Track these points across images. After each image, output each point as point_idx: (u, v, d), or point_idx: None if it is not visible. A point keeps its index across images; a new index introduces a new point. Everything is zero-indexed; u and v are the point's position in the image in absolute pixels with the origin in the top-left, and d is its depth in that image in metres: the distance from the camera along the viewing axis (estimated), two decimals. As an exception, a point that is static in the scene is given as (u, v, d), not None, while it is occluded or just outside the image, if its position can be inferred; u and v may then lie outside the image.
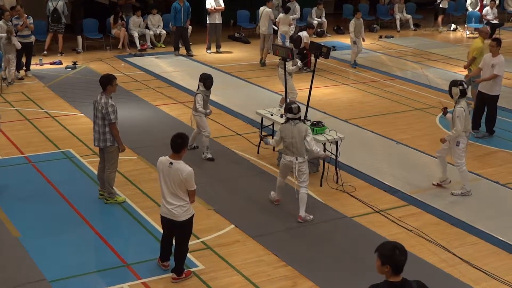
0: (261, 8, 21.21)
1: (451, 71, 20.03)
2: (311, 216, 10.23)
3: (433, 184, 11.53)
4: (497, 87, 13.93)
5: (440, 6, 26.88)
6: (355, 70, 19.89)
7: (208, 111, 12.31)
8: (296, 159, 10.02)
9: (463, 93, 10.90)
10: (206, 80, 12.18)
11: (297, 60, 14.27)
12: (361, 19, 20.43)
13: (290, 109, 10.07)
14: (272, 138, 10.83)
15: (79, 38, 21.42)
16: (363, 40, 20.54)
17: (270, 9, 20.83)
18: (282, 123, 10.36)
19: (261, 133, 12.71)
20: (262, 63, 20.51)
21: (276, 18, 20.92)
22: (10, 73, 17.33)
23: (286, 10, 20.89)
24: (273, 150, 12.85)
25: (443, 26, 27.45)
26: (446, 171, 11.46)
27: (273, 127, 12.81)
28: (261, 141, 10.94)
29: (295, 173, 10.11)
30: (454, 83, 11.00)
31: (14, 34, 17.27)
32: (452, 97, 11.09)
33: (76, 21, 21.26)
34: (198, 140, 12.63)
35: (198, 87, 12.27)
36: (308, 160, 10.29)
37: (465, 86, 10.98)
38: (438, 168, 11.61)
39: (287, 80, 13.48)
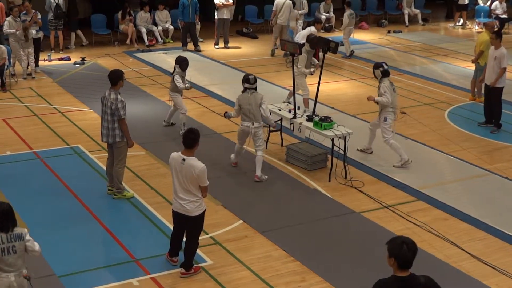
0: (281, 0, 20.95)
1: (460, 65, 19.97)
2: (266, 176, 11.36)
3: (357, 149, 12.45)
4: (501, 79, 13.94)
5: (459, 2, 26.54)
6: (363, 65, 19.83)
7: (187, 85, 13.38)
8: (253, 124, 11.21)
9: (384, 74, 11.85)
10: (182, 63, 13.40)
11: (315, 63, 14.27)
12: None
13: (248, 79, 11.28)
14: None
15: (73, 35, 21.37)
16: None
17: (290, 1, 20.80)
18: (241, 93, 11.37)
19: (269, 129, 12.70)
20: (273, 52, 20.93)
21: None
22: (31, 64, 17.50)
23: (292, 5, 20.82)
24: (281, 145, 12.85)
25: (452, 21, 27.33)
26: (372, 142, 12.61)
27: (281, 122, 12.80)
28: (225, 116, 11.95)
29: (251, 137, 11.32)
30: (376, 66, 11.99)
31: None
32: (376, 77, 12.05)
33: (72, 17, 21.17)
34: (175, 117, 13.80)
35: (174, 69, 13.44)
36: (263, 126, 11.44)
37: (386, 67, 11.88)
38: (367, 138, 12.57)
39: (300, 78, 13.56)
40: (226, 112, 11.93)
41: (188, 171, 8.02)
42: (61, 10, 20.21)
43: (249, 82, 11.27)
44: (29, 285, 6.91)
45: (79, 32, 21.50)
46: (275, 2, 20.98)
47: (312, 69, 14.15)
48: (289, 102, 13.85)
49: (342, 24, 21.15)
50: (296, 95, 13.05)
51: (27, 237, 6.81)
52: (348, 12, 21.04)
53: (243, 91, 11.38)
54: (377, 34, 24.87)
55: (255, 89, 11.32)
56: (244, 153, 11.91)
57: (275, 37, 21.05)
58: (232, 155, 11.89)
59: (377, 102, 11.91)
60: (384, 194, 11.00)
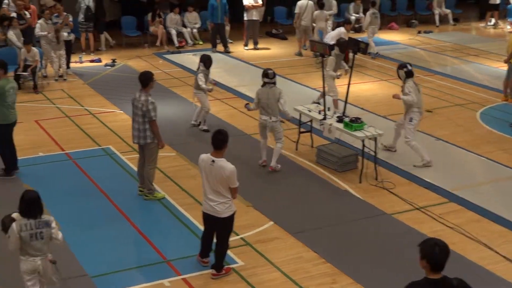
0: (303, 1, 21.10)
1: (492, 66, 19.76)
2: (279, 166, 11.72)
3: (381, 144, 12.18)
4: None
5: (490, 2, 26.27)
6: (393, 66, 19.70)
7: (210, 87, 13.67)
8: (270, 118, 11.48)
9: (408, 74, 11.87)
10: (206, 61, 13.57)
11: (345, 67, 14.26)
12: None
13: (267, 74, 11.57)
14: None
15: (102, 37, 21.52)
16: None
17: (312, 2, 20.97)
18: (260, 87, 11.66)
19: (299, 130, 12.70)
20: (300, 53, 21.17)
21: (313, 15, 20.95)
22: (62, 66, 17.70)
23: (321, 6, 20.80)
24: (311, 146, 12.82)
25: (483, 21, 27.06)
26: (396, 141, 12.60)
27: (311, 123, 12.77)
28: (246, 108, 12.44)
29: (270, 130, 11.63)
30: (400, 67, 12.03)
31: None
32: (400, 78, 12.05)
33: (99, 19, 21.31)
34: (201, 116, 13.91)
35: (199, 67, 13.60)
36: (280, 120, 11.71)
37: (410, 68, 11.92)
38: (392, 136, 12.57)
39: (328, 79, 13.57)
40: (246, 104, 12.34)
41: (217, 172, 8.03)
42: (91, 12, 20.37)
43: (268, 76, 11.55)
44: (55, 269, 7.31)
45: (106, 34, 21.62)
46: (298, 4, 21.15)
47: (338, 73, 14.14)
48: (318, 103, 13.84)
49: (364, 23, 21.25)
50: (326, 96, 13.03)
51: (53, 224, 7.22)
52: (371, 11, 21.15)
53: (262, 85, 11.66)
54: (407, 34, 24.70)
55: (274, 83, 11.61)
56: (273, 154, 11.89)
57: (299, 38, 21.28)
58: (260, 160, 12.04)
59: (410, 119, 11.96)
60: (415, 196, 10.92)
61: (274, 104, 11.47)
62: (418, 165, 12.05)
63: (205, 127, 13.73)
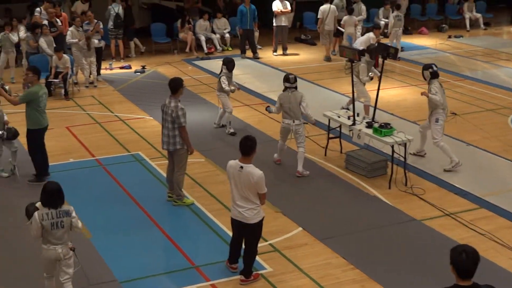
0: (325, 6, 21.29)
1: (524, 70, 19.56)
2: (307, 172, 11.79)
3: (410, 153, 11.98)
4: None
5: None
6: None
7: (232, 88, 13.93)
8: (293, 122, 11.63)
9: (433, 75, 11.85)
10: (228, 63, 13.84)
11: (375, 72, 14.20)
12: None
13: (288, 79, 11.66)
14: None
15: (132, 44, 21.66)
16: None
17: (334, 6, 21.20)
18: (282, 92, 11.84)
19: (328, 136, 12.68)
20: (329, 58, 21.27)
21: (341, 20, 20.97)
22: (93, 73, 17.89)
23: (350, 12, 20.81)
24: (340, 152, 12.78)
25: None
26: (424, 145, 12.51)
27: (340, 129, 12.73)
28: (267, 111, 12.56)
29: (293, 135, 11.76)
30: (425, 67, 12.00)
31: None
32: (425, 79, 12.04)
33: (128, 26, 21.46)
34: (225, 119, 14.16)
35: (222, 70, 13.89)
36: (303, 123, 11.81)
37: (435, 68, 11.88)
38: (418, 140, 12.42)
39: (359, 85, 13.57)
40: (267, 107, 12.43)
41: (246, 178, 8.03)
42: (121, 19, 20.53)
43: (289, 81, 11.67)
44: (74, 256, 7.65)
45: (136, 40, 21.77)
46: (321, 9, 21.32)
47: (371, 74, 14.09)
48: (347, 109, 13.80)
49: (388, 26, 21.45)
50: (356, 102, 13.00)
51: (73, 214, 7.57)
52: (394, 14, 21.50)
53: (284, 90, 11.80)
54: (437, 39, 24.53)
55: (296, 88, 11.71)
56: (304, 161, 11.88)
57: (325, 43, 21.43)
58: (276, 155, 12.31)
59: (436, 120, 11.93)
60: (445, 202, 10.82)
61: (296, 107, 11.61)
62: (447, 168, 11.99)
63: (231, 130, 13.93)
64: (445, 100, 12.06)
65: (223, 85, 13.71)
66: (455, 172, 11.93)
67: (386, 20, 24.12)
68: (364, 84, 14.22)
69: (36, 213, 7.39)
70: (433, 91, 11.76)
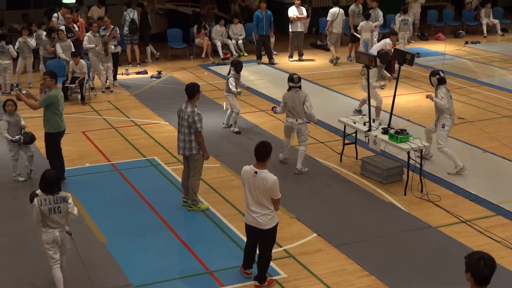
0: (335, 9, 21.52)
1: (541, 77, 19.41)
2: (306, 169, 12.07)
3: (416, 156, 11.60)
4: None
5: None
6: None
7: (239, 90, 14.22)
8: (296, 121, 11.89)
9: (441, 81, 11.91)
10: (236, 65, 14.26)
11: (386, 76, 14.22)
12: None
13: (292, 79, 12.01)
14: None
15: (148, 49, 21.75)
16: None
17: (343, 10, 21.52)
18: (286, 91, 12.11)
19: (343, 141, 12.68)
20: (337, 60, 21.54)
21: (358, 26, 20.98)
22: (109, 78, 18.02)
23: (367, 17, 20.82)
24: (356, 158, 12.75)
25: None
26: (430, 147, 12.48)
27: (356, 135, 12.70)
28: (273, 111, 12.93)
29: (295, 133, 12.00)
30: (432, 73, 12.09)
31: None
32: (432, 85, 12.12)
33: (144, 31, 21.54)
34: (232, 118, 14.53)
35: (230, 71, 14.31)
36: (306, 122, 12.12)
37: (442, 74, 11.98)
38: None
39: (371, 89, 13.57)
40: (273, 107, 12.77)
41: (260, 183, 8.03)
42: (136, 25, 20.60)
43: (293, 81, 12.02)
44: (71, 240, 8.23)
45: (151, 47, 21.81)
46: (331, 12, 21.56)
47: (382, 83, 14.13)
48: (359, 110, 13.90)
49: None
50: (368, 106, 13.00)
51: (70, 200, 8.12)
52: (400, 18, 21.77)
53: (288, 90, 12.09)
54: (454, 45, 24.40)
55: (300, 87, 12.04)
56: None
57: (331, 45, 21.74)
58: (281, 154, 12.52)
59: (443, 126, 12.01)
60: (461, 209, 10.77)
61: (300, 107, 11.87)
62: (452, 172, 12.06)
63: (236, 129, 14.35)
64: (452, 105, 12.07)
65: (231, 87, 14.12)
66: (471, 178, 11.87)
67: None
68: (376, 88, 14.24)
69: (35, 199, 7.97)
70: (439, 97, 11.79)
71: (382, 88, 14.33)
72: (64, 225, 8.08)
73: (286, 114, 12.15)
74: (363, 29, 20.67)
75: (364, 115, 13.12)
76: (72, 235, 8.19)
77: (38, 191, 8.10)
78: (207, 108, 15.79)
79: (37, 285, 8.57)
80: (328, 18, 21.63)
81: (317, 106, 16.04)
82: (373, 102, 14.32)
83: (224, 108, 14.81)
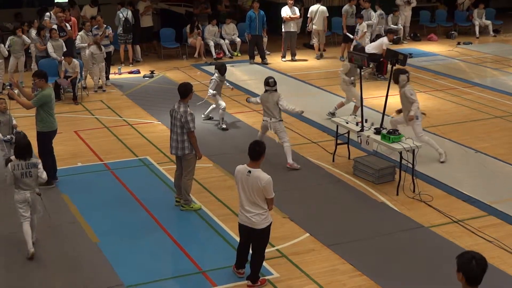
0: (314, 6, 22.19)
1: (533, 77, 19.48)
2: (298, 166, 12.37)
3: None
4: None
5: None
6: (431, 77, 19.55)
7: (214, 92, 14.77)
8: (270, 119, 12.41)
9: (408, 79, 12.54)
10: (221, 68, 14.94)
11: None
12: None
13: (268, 83, 12.50)
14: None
15: (138, 48, 21.74)
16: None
17: (324, 7, 22.10)
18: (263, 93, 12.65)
19: (336, 141, 12.69)
20: (320, 56, 22.46)
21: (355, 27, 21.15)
22: (102, 78, 18.00)
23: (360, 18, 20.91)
24: (348, 158, 12.76)
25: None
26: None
27: (348, 135, 12.72)
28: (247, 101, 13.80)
29: (271, 130, 12.55)
30: (402, 72, 12.44)
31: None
32: (397, 82, 12.45)
33: (135, 30, 21.50)
34: (213, 112, 15.21)
35: (214, 74, 14.94)
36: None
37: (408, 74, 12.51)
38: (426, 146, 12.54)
39: (350, 88, 14.53)
40: (247, 98, 13.73)
41: (254, 183, 8.03)
42: (130, 24, 20.57)
43: (269, 85, 12.49)
44: (41, 201, 9.31)
45: (137, 47, 21.77)
46: (310, 9, 22.28)
47: (352, 78, 14.60)
48: (334, 116, 14.10)
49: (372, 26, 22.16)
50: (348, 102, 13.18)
51: (40, 166, 9.15)
52: (378, 12, 22.59)
53: (264, 91, 12.57)
54: (446, 46, 24.48)
55: (275, 90, 12.48)
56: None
57: (316, 43, 22.46)
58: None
59: (416, 117, 12.48)
60: (453, 209, 10.79)
61: (273, 107, 12.35)
62: (442, 159, 12.64)
63: (224, 126, 14.73)
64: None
65: (209, 88, 14.84)
66: (463, 179, 11.91)
67: (395, 26, 24.13)
68: (354, 85, 14.57)
69: (9, 164, 9.01)
70: (408, 94, 12.37)
71: (352, 83, 14.59)
72: (34, 188, 9.10)
73: (263, 113, 12.66)
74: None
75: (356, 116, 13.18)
76: (47, 207, 9.67)
77: (12, 157, 9.15)
78: (199, 108, 15.74)
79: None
80: (308, 15, 22.32)
81: (309, 106, 16.11)
82: (352, 100, 14.82)
83: (213, 105, 15.24)
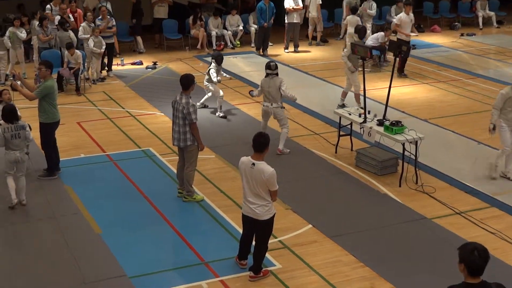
0: None
1: (536, 69, 19.43)
2: (288, 150, 12.61)
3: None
4: None
5: None
6: (435, 69, 19.52)
7: (219, 78, 14.99)
8: (271, 105, 12.48)
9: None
10: (217, 58, 15.10)
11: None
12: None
13: (269, 66, 12.54)
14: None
15: (139, 39, 21.73)
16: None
17: None
18: (264, 78, 12.68)
19: (339, 133, 12.69)
20: (315, 43, 23.10)
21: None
22: (98, 73, 18.07)
23: (353, 11, 20.46)
24: (351, 149, 12.76)
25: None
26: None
27: (351, 126, 12.70)
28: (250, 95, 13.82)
29: (272, 116, 12.65)
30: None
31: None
32: (352, 68, 13.66)
33: (135, 21, 21.47)
34: (209, 101, 15.44)
35: (211, 63, 15.07)
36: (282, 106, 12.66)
37: None
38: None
39: (353, 74, 14.75)
40: (250, 91, 13.72)
41: (257, 175, 8.03)
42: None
43: (270, 68, 12.53)
44: (28, 158, 10.64)
45: (139, 38, 21.77)
46: None
47: (350, 64, 14.83)
48: (344, 107, 14.04)
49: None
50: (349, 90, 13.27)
51: (27, 128, 10.32)
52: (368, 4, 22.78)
53: (265, 76, 12.59)
54: (450, 37, 24.43)
55: (277, 74, 12.50)
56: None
57: (311, 30, 23.07)
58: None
59: None
60: (456, 200, 10.79)
61: (275, 92, 12.39)
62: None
63: (221, 114, 14.91)
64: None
65: (212, 77, 14.77)
66: (466, 170, 11.90)
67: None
68: (356, 72, 14.78)
69: (0, 128, 10.01)
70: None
71: (354, 71, 14.85)
72: (23, 148, 10.28)
73: (263, 98, 12.67)
74: (349, 23, 20.02)
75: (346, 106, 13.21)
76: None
77: (2, 122, 10.19)
78: (196, 98, 15.74)
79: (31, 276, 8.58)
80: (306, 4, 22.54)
81: (312, 98, 16.13)
82: (352, 88, 14.98)
83: (208, 94, 15.38)
